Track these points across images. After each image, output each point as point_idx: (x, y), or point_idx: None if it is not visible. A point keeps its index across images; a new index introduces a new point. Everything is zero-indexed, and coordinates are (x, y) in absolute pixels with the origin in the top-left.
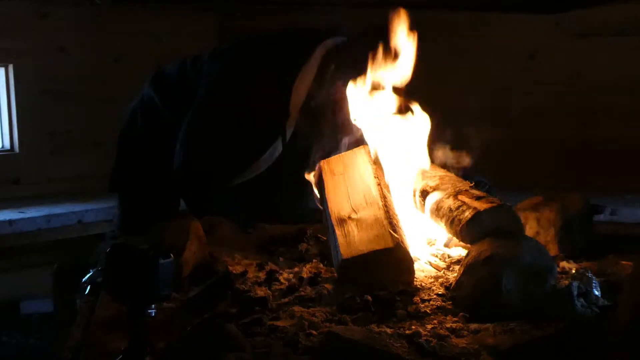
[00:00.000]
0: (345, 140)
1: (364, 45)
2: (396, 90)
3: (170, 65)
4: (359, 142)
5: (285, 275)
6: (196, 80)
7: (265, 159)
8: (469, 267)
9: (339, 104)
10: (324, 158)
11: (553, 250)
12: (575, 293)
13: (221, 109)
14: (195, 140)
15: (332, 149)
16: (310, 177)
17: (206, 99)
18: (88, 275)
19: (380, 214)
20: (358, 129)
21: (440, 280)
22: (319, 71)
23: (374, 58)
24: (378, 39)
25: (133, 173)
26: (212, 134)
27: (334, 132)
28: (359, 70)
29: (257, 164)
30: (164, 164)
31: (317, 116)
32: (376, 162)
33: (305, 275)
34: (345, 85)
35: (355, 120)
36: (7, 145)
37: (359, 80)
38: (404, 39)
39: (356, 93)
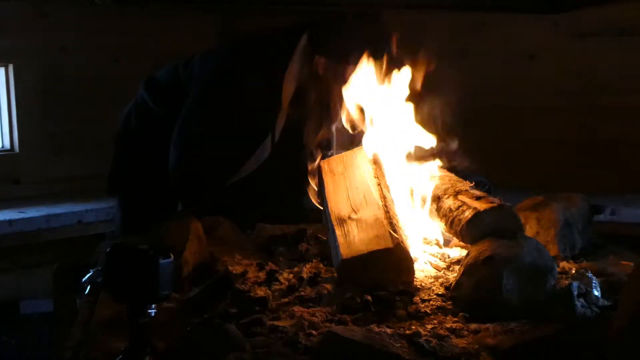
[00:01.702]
0: (338, 126)
1: (340, 24)
2: (397, 87)
3: (162, 69)
4: (353, 129)
5: (285, 275)
6: (188, 81)
7: (257, 156)
8: (469, 267)
9: (324, 85)
10: (319, 146)
11: (553, 250)
12: (575, 293)
13: (213, 107)
14: (188, 140)
15: (326, 135)
16: (309, 166)
17: (198, 98)
18: (88, 275)
19: (380, 214)
20: (349, 113)
21: (440, 280)
22: (302, 60)
23: (351, 36)
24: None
25: (130, 175)
26: (205, 133)
27: (325, 115)
28: (338, 46)
29: (249, 162)
30: (159, 165)
31: (306, 103)
32: (376, 162)
33: (305, 275)
34: (326, 61)
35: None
36: (7, 145)
37: (351, 72)
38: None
39: (354, 91)
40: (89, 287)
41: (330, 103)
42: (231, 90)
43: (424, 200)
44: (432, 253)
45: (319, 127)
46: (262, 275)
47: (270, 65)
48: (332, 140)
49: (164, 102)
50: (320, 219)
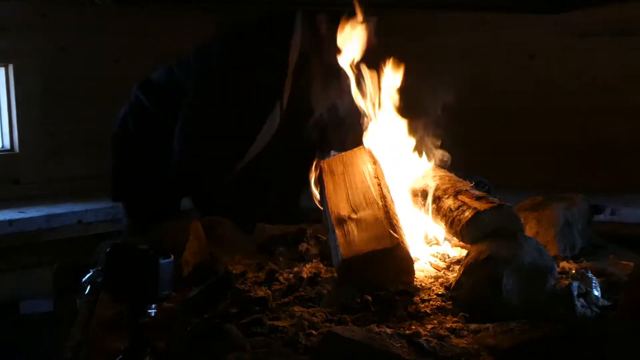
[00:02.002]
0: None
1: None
2: (397, 87)
3: (156, 71)
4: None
5: (285, 275)
6: (185, 78)
7: (267, 128)
8: (469, 267)
9: (327, 44)
10: (328, 111)
11: (553, 250)
12: (575, 293)
13: (212, 104)
14: (188, 139)
15: (335, 105)
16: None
17: (197, 96)
18: (88, 275)
19: (380, 214)
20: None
21: (440, 280)
22: (303, 26)
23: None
24: None
25: (132, 178)
26: (205, 133)
27: (330, 77)
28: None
29: (260, 134)
30: (159, 165)
31: (311, 68)
32: (376, 162)
33: (305, 275)
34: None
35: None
36: (7, 145)
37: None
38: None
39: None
40: (89, 287)
41: (335, 63)
42: (231, 84)
43: (424, 200)
44: (432, 253)
45: (325, 91)
46: (262, 275)
47: (273, 46)
48: (339, 106)
49: (161, 103)
50: (320, 219)
